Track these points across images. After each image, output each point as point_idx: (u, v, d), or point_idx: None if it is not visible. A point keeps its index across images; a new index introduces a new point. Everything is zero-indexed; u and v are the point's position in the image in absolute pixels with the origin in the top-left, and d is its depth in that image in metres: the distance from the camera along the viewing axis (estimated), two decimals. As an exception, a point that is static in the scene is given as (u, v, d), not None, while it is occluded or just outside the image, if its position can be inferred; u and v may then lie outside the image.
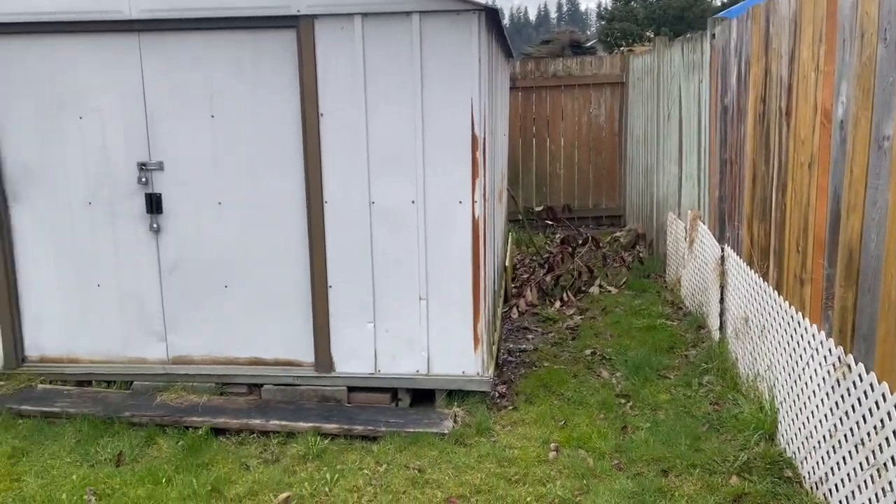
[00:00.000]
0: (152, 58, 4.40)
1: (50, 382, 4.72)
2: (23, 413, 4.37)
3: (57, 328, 4.75)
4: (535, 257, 8.12)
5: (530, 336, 5.88)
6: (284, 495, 3.55)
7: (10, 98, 4.52)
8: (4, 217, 4.63)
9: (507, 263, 7.08)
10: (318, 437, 4.08)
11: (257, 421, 4.23)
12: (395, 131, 4.28)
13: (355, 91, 4.25)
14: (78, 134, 4.52)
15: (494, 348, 4.98)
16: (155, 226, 4.57)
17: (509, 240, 8.11)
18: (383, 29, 4.18)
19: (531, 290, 6.76)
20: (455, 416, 4.30)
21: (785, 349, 3.74)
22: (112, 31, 4.37)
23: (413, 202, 4.34)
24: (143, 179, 4.52)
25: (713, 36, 5.60)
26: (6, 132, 4.56)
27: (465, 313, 4.42)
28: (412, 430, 4.13)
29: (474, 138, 4.25)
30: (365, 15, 4.17)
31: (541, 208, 9.87)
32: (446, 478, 3.69)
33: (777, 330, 3.87)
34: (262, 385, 4.61)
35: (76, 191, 4.59)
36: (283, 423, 4.21)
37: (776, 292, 3.94)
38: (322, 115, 4.30)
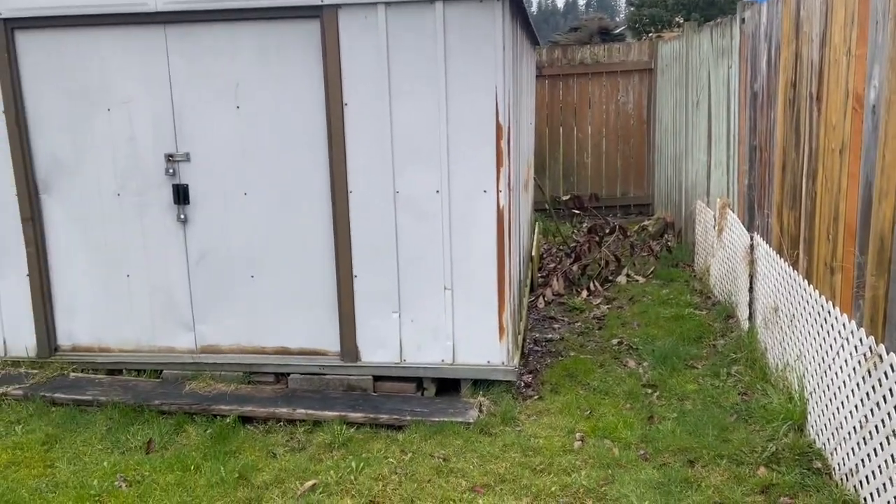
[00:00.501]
0: (178, 49, 4.44)
1: (82, 371, 4.81)
2: (56, 401, 4.46)
3: (88, 317, 4.84)
4: (561, 247, 8.07)
5: (556, 325, 5.86)
6: (310, 483, 3.58)
7: (41, 91, 4.60)
8: (36, 208, 4.72)
9: (533, 253, 7.05)
10: (344, 426, 4.11)
11: (284, 409, 4.27)
12: (419, 121, 4.27)
13: (379, 81, 4.25)
14: (107, 126, 4.59)
15: (520, 338, 4.96)
16: (182, 216, 4.62)
17: (536, 229, 8.07)
18: (406, 17, 4.17)
19: (557, 280, 6.72)
20: (480, 405, 4.30)
21: (815, 339, 3.67)
22: (138, 24, 4.42)
23: (437, 192, 4.34)
24: (171, 170, 4.57)
25: (743, 20, 5.49)
26: (37, 125, 4.64)
27: (490, 303, 4.41)
28: (437, 419, 4.14)
29: (499, 127, 4.22)
30: (388, 4, 4.16)
31: (567, 197, 9.80)
32: (471, 467, 3.70)
33: (807, 319, 3.80)
34: (288, 374, 4.65)
35: (105, 182, 4.66)
36: (310, 411, 4.25)
37: (806, 281, 3.87)
38: (346, 104, 4.31)
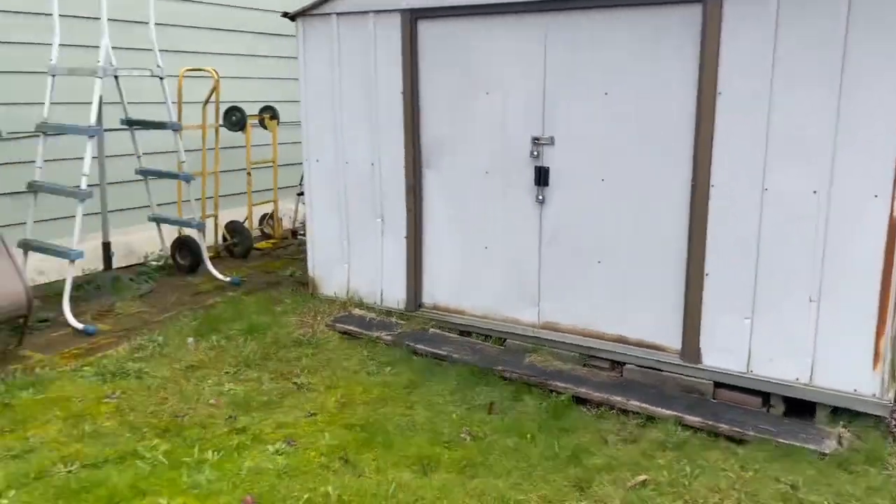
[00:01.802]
0: (555, 36, 4.60)
1: (438, 328, 5.34)
2: (417, 351, 5.01)
3: (447, 281, 5.34)
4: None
5: (942, 361, 4.94)
6: (642, 477, 3.53)
7: (431, 75, 5.13)
8: (417, 180, 5.32)
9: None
10: (679, 427, 3.97)
11: (618, 398, 4.26)
12: (803, 113, 3.88)
13: (760, 70, 3.94)
14: (483, 109, 4.96)
15: None
16: (540, 197, 4.83)
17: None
18: (802, 5, 3.79)
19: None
20: (839, 436, 3.82)
21: None
22: (521, 12, 4.68)
23: (815, 192, 3.91)
24: (535, 153, 4.79)
25: None
26: (426, 109, 5.19)
27: (866, 324, 3.87)
28: (785, 441, 3.78)
29: (905, 125, 3.65)
30: (782, -13, 3.83)
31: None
32: (825, 502, 3.31)
33: None
34: (623, 363, 4.62)
35: (477, 161, 5.06)
36: (644, 405, 4.18)
37: None
38: (719, 93, 4.08)
